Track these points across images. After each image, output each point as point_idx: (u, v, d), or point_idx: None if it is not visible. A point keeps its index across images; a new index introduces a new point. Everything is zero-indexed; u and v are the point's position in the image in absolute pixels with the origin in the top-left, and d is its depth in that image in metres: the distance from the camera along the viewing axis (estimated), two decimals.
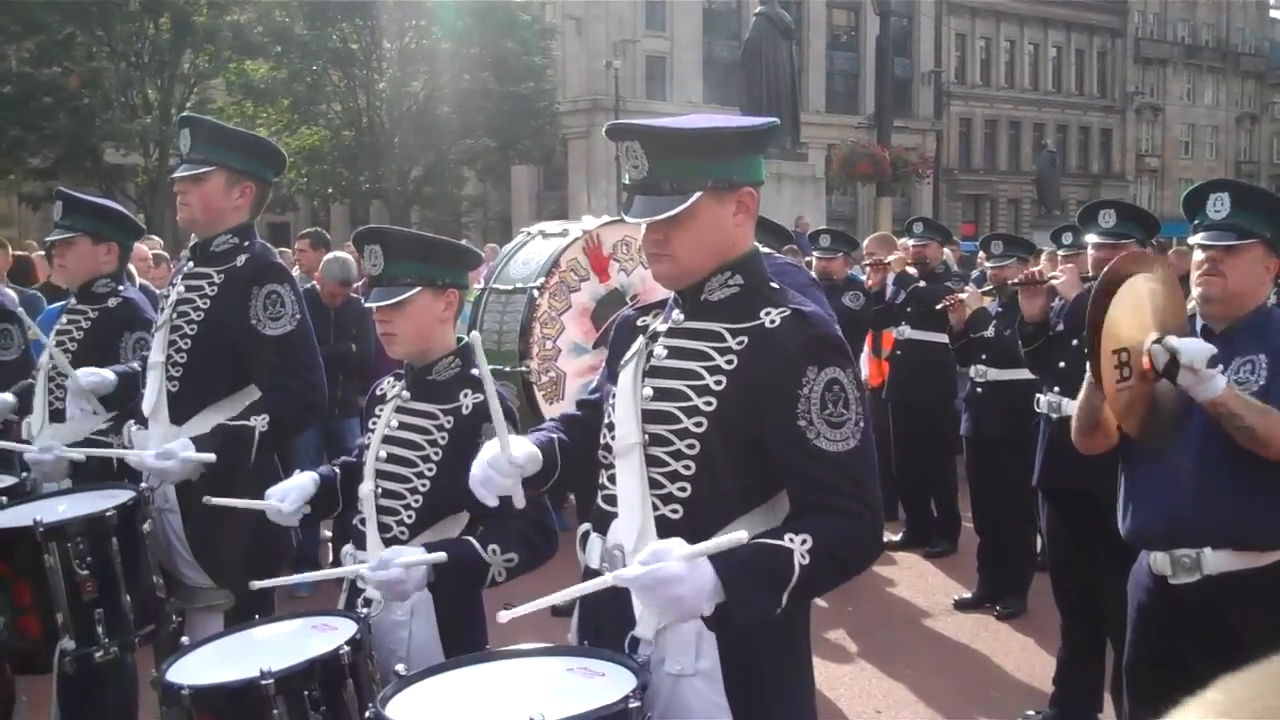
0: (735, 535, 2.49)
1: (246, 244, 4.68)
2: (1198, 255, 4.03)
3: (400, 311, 3.70)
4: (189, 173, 4.62)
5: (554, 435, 3.13)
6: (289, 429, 4.72)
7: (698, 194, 2.76)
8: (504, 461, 2.86)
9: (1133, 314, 3.72)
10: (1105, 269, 3.91)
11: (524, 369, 8.11)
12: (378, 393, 3.96)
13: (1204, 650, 3.88)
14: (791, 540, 2.59)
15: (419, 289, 3.70)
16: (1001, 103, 69.32)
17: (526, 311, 8.23)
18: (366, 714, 2.80)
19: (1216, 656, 3.82)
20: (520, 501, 2.93)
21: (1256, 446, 3.73)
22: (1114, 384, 3.65)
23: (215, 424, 4.45)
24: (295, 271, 9.27)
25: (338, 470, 3.98)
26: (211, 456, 4.33)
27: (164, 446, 4.35)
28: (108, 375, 4.99)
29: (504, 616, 2.61)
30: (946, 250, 10.62)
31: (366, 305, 3.88)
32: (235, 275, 4.60)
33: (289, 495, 3.77)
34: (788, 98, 23.24)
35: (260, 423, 4.43)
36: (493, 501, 2.91)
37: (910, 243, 9.98)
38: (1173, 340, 3.69)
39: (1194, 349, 3.67)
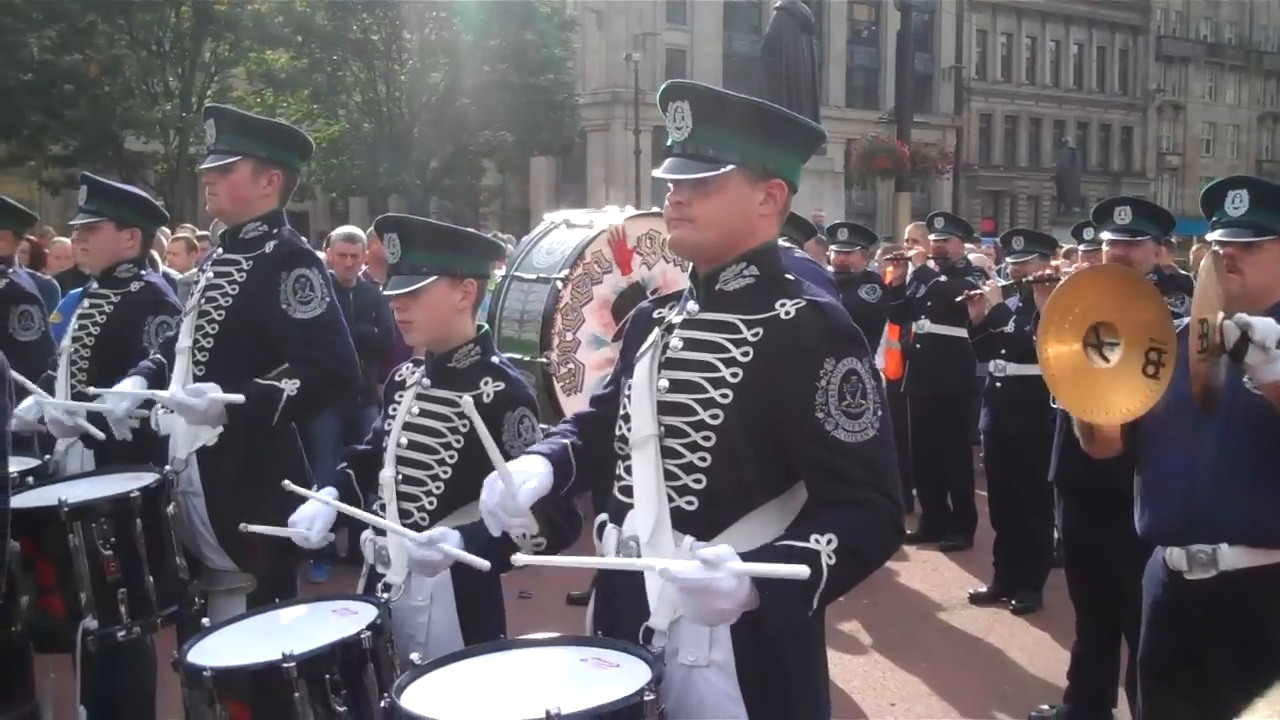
0: (797, 568, 2.45)
1: (275, 231, 4.72)
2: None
3: (416, 300, 3.73)
4: (216, 164, 4.66)
5: (568, 440, 3.14)
6: (318, 399, 4.72)
7: (730, 166, 2.79)
8: (512, 504, 2.90)
9: (1204, 294, 3.68)
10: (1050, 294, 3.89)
11: (544, 360, 8.12)
12: (397, 379, 3.99)
13: (1219, 646, 3.88)
14: (817, 541, 2.58)
15: (435, 278, 3.72)
16: (1022, 99, 69.18)
17: (549, 302, 8.23)
18: (382, 703, 2.80)
19: (1232, 652, 3.83)
20: (533, 528, 2.99)
21: None
22: (1196, 351, 3.61)
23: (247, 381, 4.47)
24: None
25: (350, 471, 4.00)
26: (240, 397, 4.35)
27: (194, 386, 4.40)
28: (133, 391, 4.85)
29: (520, 560, 2.68)
30: (980, 253, 10.65)
31: (384, 293, 3.90)
32: (264, 261, 4.63)
33: (315, 524, 3.78)
34: (808, 92, 23.14)
35: (290, 386, 4.45)
36: (497, 532, 2.99)
37: (931, 237, 10.00)
38: (1245, 317, 3.60)
39: (1267, 327, 3.57)
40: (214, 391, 4.37)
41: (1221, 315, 3.62)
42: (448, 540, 3.39)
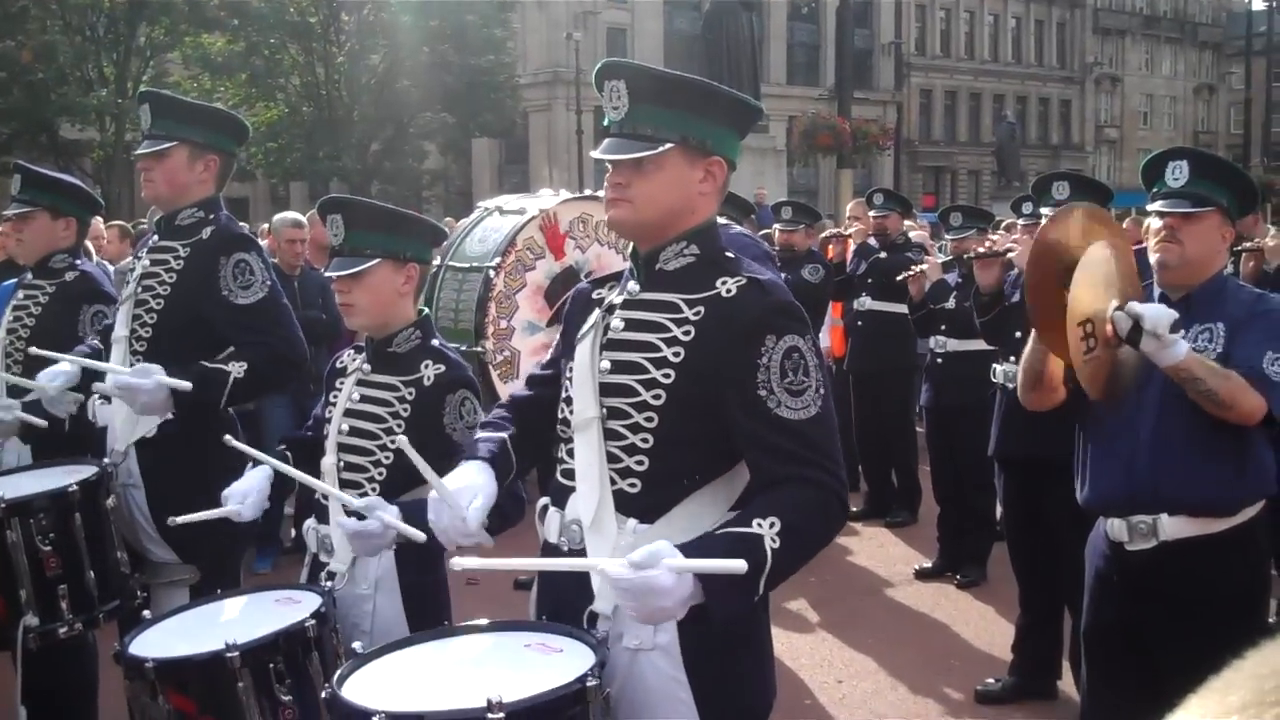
0: (735, 563, 2.41)
1: (212, 216, 4.66)
2: (1155, 223, 4.06)
3: (358, 282, 3.70)
4: (151, 149, 4.60)
5: (506, 434, 3.10)
6: (265, 381, 4.69)
7: (669, 145, 2.78)
8: (462, 526, 2.86)
9: (1092, 284, 3.74)
10: (1036, 234, 3.97)
11: (479, 349, 8.11)
12: (338, 365, 3.96)
13: (1160, 616, 3.93)
14: (759, 525, 2.55)
15: (378, 260, 3.70)
16: (961, 74, 69.42)
17: (482, 290, 8.25)
18: (323, 694, 2.77)
19: (1173, 622, 3.88)
20: (486, 542, 2.96)
21: (1219, 410, 3.74)
22: (1081, 355, 3.67)
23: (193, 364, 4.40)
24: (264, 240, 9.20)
25: (289, 453, 3.94)
26: (188, 385, 4.29)
27: (140, 366, 4.33)
28: (67, 369, 4.79)
29: (458, 564, 2.63)
30: (919, 229, 10.70)
31: (326, 275, 3.87)
32: (202, 248, 4.58)
33: (248, 499, 3.71)
34: (748, 69, 23.23)
35: (237, 369, 4.40)
36: (451, 548, 2.96)
37: (871, 214, 10.02)
38: (1135, 306, 3.69)
39: (1157, 314, 3.66)
40: (160, 374, 4.29)
41: (1114, 304, 3.68)
42: (386, 510, 3.35)
